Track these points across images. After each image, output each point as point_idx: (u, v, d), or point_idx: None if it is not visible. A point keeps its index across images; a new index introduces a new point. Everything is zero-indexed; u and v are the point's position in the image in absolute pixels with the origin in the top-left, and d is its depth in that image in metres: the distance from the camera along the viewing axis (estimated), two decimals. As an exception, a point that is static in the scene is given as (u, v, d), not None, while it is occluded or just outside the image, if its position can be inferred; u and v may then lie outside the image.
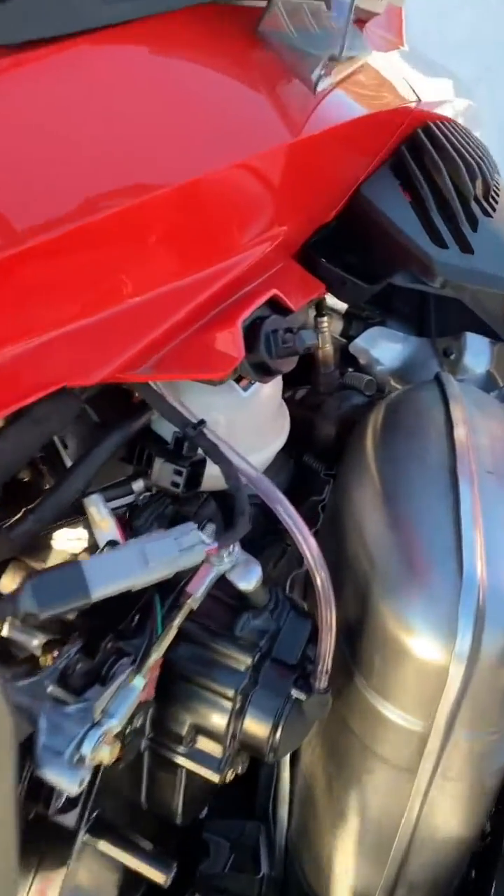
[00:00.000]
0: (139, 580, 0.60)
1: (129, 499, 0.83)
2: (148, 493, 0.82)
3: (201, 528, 0.79)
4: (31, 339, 0.54)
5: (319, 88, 0.70)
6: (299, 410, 1.11)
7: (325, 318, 1.07)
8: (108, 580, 0.58)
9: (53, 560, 1.05)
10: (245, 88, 0.68)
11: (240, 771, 0.79)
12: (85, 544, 0.78)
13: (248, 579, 0.70)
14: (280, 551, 1.13)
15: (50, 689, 0.60)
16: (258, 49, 0.69)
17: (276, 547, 1.14)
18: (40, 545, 0.95)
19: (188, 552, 0.61)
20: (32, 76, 0.54)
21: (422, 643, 0.70)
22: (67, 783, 0.56)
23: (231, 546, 0.66)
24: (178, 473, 0.69)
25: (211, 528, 0.79)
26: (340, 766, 0.82)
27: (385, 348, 1.16)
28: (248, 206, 0.65)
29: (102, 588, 0.57)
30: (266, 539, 1.00)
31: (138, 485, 0.82)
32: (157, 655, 0.66)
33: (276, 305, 0.69)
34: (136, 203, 0.55)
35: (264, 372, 0.67)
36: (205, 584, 0.69)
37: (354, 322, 1.17)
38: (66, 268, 0.55)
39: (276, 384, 0.83)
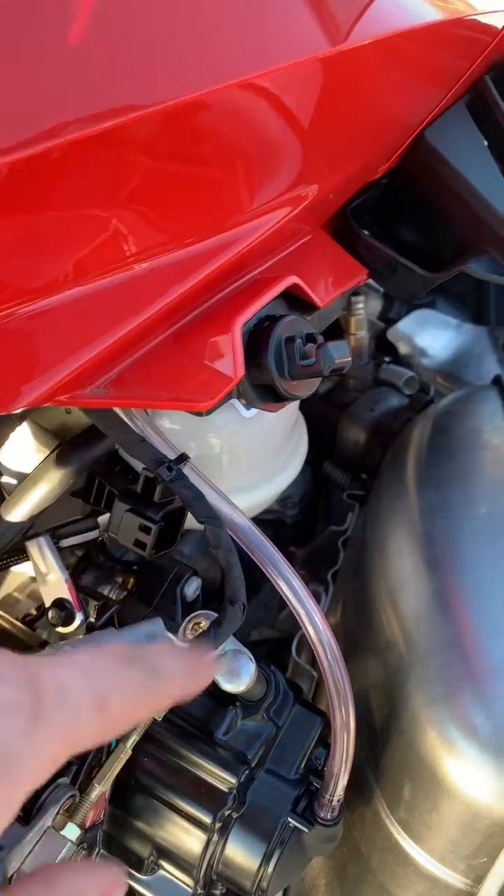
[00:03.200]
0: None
1: (92, 535, 0.64)
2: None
3: (185, 583, 0.60)
4: None
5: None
6: (323, 409, 0.92)
7: (361, 297, 0.88)
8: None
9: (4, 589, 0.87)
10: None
11: (218, 893, 0.61)
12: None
13: (237, 678, 0.51)
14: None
15: None
16: None
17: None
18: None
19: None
20: None
21: (471, 777, 0.50)
22: None
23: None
24: (145, 530, 0.49)
25: (195, 585, 0.60)
26: (349, 896, 0.63)
27: (432, 336, 0.96)
28: (259, 147, 0.43)
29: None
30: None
31: (106, 518, 0.63)
32: (102, 788, 0.47)
33: (294, 299, 0.47)
34: (86, 133, 0.34)
35: (272, 397, 0.46)
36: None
37: (396, 302, 0.96)
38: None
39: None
